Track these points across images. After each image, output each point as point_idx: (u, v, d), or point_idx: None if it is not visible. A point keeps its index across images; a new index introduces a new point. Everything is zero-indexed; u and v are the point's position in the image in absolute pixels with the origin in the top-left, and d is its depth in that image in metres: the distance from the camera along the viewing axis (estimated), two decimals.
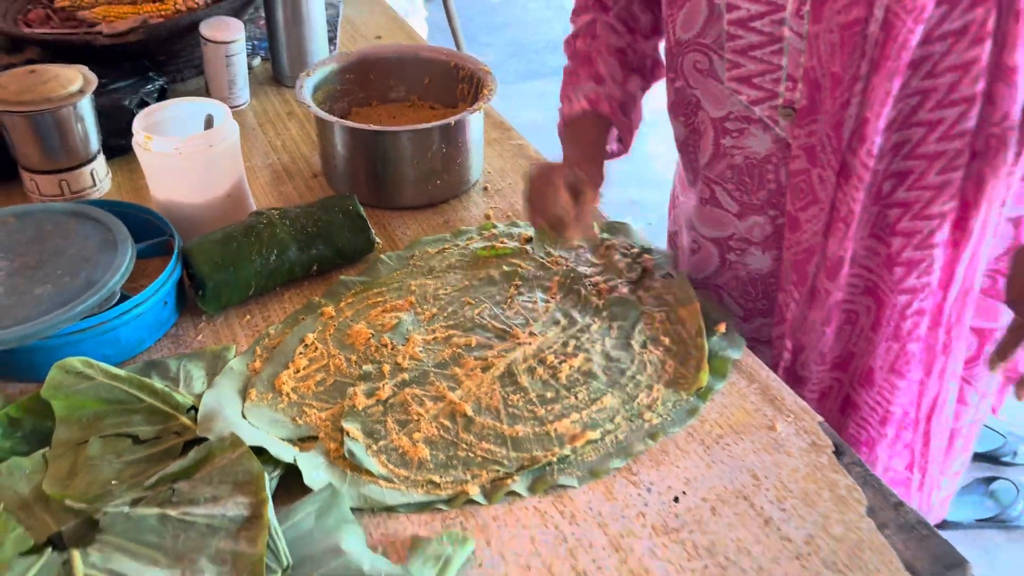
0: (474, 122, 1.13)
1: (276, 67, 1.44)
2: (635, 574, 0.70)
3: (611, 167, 1.06)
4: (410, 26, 1.67)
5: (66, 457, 0.77)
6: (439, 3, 3.18)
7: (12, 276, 0.88)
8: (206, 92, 1.34)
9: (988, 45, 0.77)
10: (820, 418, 0.84)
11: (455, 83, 1.22)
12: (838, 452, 0.80)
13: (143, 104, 1.23)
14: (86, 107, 1.08)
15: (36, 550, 0.64)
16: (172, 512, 0.66)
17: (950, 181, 0.85)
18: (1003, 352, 0.78)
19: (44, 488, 0.73)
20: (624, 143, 1.07)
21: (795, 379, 1.01)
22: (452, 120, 1.08)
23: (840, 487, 0.77)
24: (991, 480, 1.88)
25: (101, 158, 1.13)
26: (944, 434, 1.03)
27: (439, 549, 0.70)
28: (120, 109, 1.19)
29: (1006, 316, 1.01)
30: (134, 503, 0.68)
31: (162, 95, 1.28)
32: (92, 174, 1.11)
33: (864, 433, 1.01)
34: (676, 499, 0.76)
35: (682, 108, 1.01)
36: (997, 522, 1.82)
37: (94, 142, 1.11)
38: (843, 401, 1.02)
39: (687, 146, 1.04)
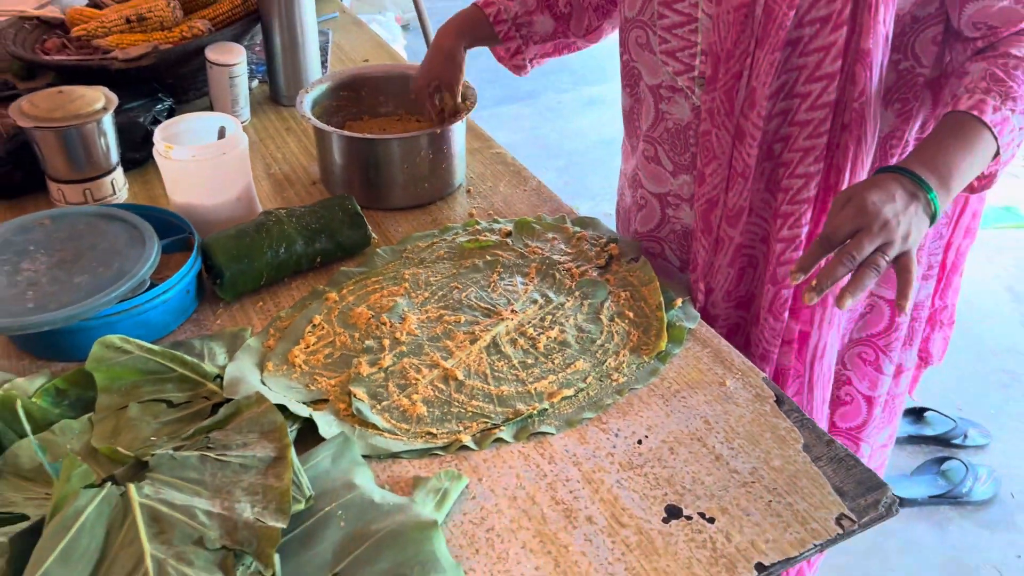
0: (457, 132, 1.26)
1: (273, 88, 1.57)
2: (606, 501, 0.82)
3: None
4: (394, 49, 1.80)
5: (109, 420, 0.88)
6: (416, 32, 3.32)
7: (52, 268, 1.00)
8: (211, 111, 1.47)
9: (844, 31, 0.93)
10: (764, 374, 0.97)
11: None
12: (779, 401, 0.93)
13: (156, 122, 1.35)
14: (108, 123, 1.20)
15: (95, 486, 0.75)
16: (210, 454, 0.78)
17: (816, 146, 1.00)
18: (802, 263, 0.88)
19: (93, 443, 0.85)
20: (517, 64, 1.32)
21: (708, 318, 1.14)
22: (438, 129, 1.21)
23: (780, 429, 0.90)
24: (943, 460, 2.02)
25: (120, 169, 1.25)
26: (826, 383, 1.16)
27: (438, 484, 0.82)
28: (135, 126, 1.32)
29: (922, 292, 1.15)
30: (176, 449, 0.79)
31: (171, 114, 1.40)
32: (112, 183, 1.23)
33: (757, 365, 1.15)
34: (639, 441, 0.89)
35: (628, 80, 1.17)
36: (949, 499, 1.95)
37: (114, 155, 1.22)
38: (744, 339, 1.16)
39: (632, 115, 1.20)
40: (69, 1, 1.67)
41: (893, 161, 1.04)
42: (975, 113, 0.87)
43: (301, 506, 0.76)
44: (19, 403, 0.84)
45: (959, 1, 0.92)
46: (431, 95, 1.27)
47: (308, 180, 1.34)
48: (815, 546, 0.78)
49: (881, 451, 1.28)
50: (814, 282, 0.85)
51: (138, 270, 0.99)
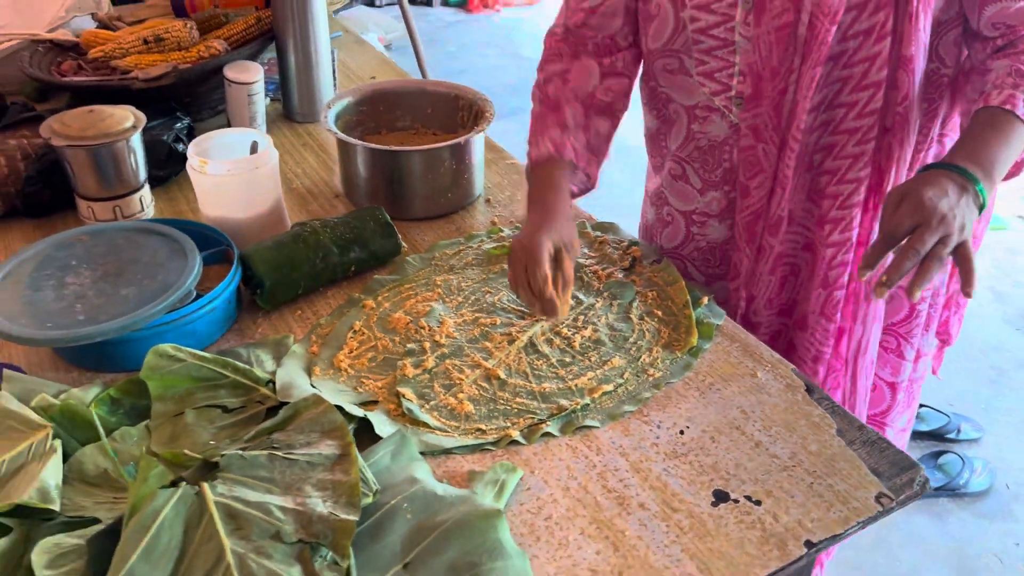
0: (477, 143, 1.30)
1: (287, 105, 1.60)
2: (655, 488, 0.86)
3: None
4: (399, 66, 1.84)
5: (166, 426, 0.90)
6: (399, 52, 3.37)
7: (97, 282, 1.02)
8: (228, 128, 1.49)
9: (888, 41, 0.99)
10: (792, 366, 1.01)
11: (456, 112, 1.39)
12: (809, 390, 0.98)
13: (178, 140, 1.37)
14: (137, 141, 1.22)
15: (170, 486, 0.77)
16: (278, 453, 0.81)
17: (864, 152, 1.06)
18: (868, 260, 0.93)
19: (153, 448, 0.87)
20: (591, 179, 1.19)
21: (750, 325, 1.20)
22: (461, 140, 1.25)
23: (813, 416, 0.94)
24: (939, 454, 2.08)
25: (147, 186, 1.27)
26: (868, 375, 1.22)
27: (495, 476, 0.85)
28: (159, 144, 1.34)
29: (938, 278, 1.21)
30: (241, 451, 0.82)
31: (190, 132, 1.43)
32: (140, 200, 1.25)
33: (805, 369, 1.20)
34: (681, 432, 0.92)
35: (654, 103, 1.21)
36: (947, 491, 2.01)
37: (142, 172, 1.25)
38: (787, 344, 1.21)
39: (657, 135, 1.24)
40: (77, 25, 1.69)
41: (923, 157, 1.10)
42: (1008, 107, 0.93)
43: (369, 500, 0.79)
44: (94, 411, 0.86)
45: (978, 4, 0.98)
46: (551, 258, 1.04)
47: (331, 193, 1.37)
48: (858, 523, 0.82)
49: (901, 435, 1.33)
50: (883, 277, 0.90)
51: (183, 281, 1.01)
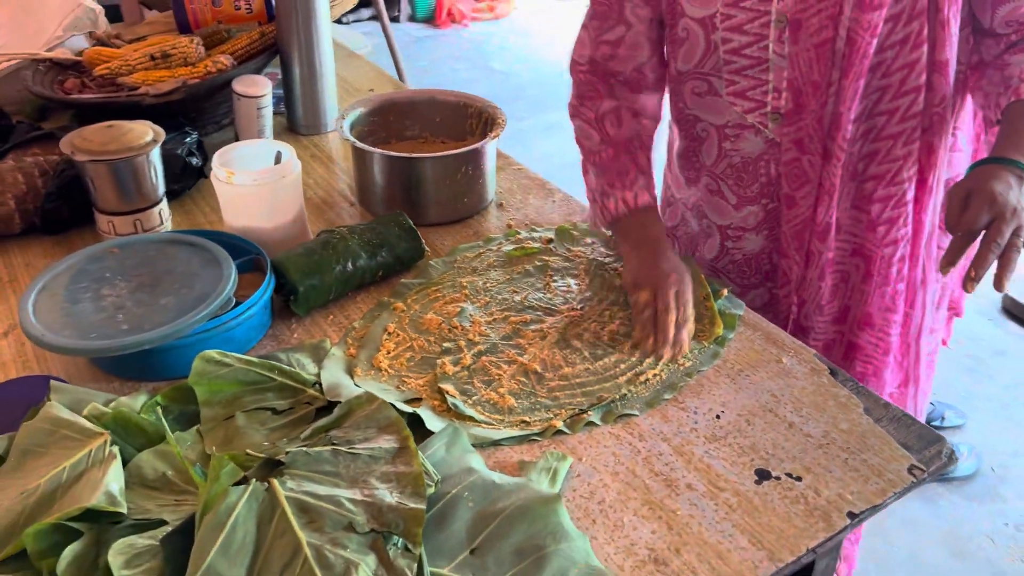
0: (490, 149, 1.33)
1: (292, 118, 1.62)
2: (700, 469, 0.89)
3: None
4: (395, 78, 1.87)
5: (217, 430, 0.92)
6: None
7: (135, 292, 1.03)
8: (236, 141, 1.51)
9: (925, 48, 1.04)
10: (813, 351, 1.06)
11: (464, 120, 1.43)
12: (833, 373, 1.02)
13: (191, 154, 1.39)
14: (156, 155, 1.23)
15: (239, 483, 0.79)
16: (341, 448, 0.83)
17: (911, 152, 1.11)
18: (951, 257, 0.97)
19: (208, 451, 0.89)
20: None
21: (801, 329, 1.24)
22: (477, 146, 1.28)
23: (840, 397, 0.98)
24: None
25: (165, 200, 1.28)
26: (928, 351, 1.28)
27: (546, 463, 0.88)
28: (173, 158, 1.35)
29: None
30: (304, 447, 0.84)
31: (200, 146, 1.44)
32: (160, 213, 1.26)
33: (870, 366, 1.25)
34: (718, 416, 0.96)
35: (683, 124, 1.25)
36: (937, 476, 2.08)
37: (161, 186, 1.26)
38: (846, 348, 1.26)
39: (687, 152, 1.27)
40: (72, 44, 1.69)
41: (942, 153, 1.15)
42: None
43: (431, 490, 0.81)
44: (159, 410, 0.89)
45: (991, 5, 1.04)
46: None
47: (346, 201, 1.40)
48: (895, 494, 0.87)
49: (919, 406, 1.39)
50: (971, 272, 0.94)
51: (222, 289, 1.02)
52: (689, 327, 1.05)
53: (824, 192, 1.13)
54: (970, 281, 0.94)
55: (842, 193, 1.15)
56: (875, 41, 1.03)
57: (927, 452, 0.91)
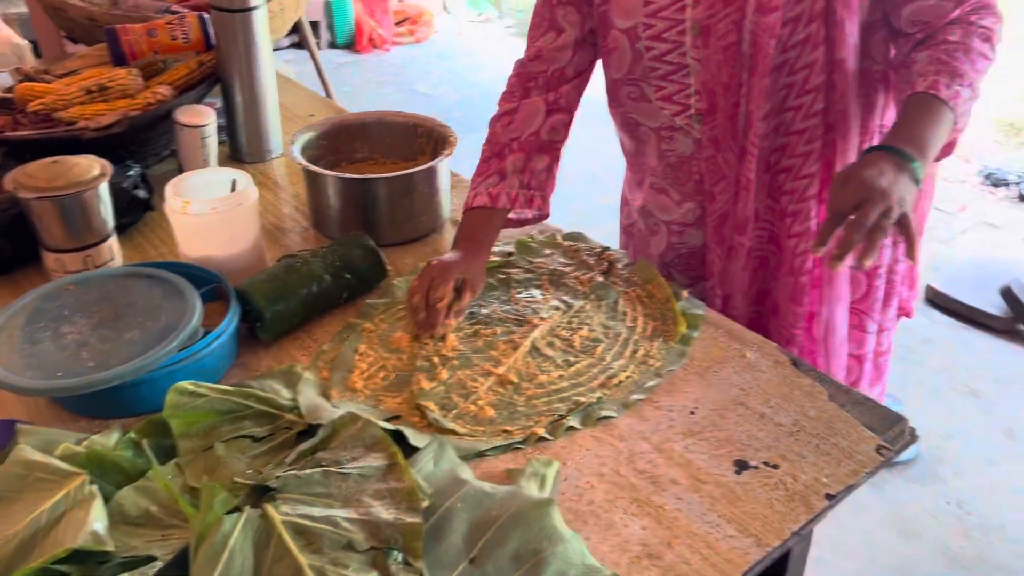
0: (444, 167, 1.35)
1: (235, 146, 1.60)
2: (681, 465, 0.92)
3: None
4: (336, 103, 1.87)
5: (197, 461, 0.90)
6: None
7: (97, 328, 1.01)
8: (179, 172, 1.48)
9: (823, 48, 1.10)
10: (775, 344, 1.10)
11: (414, 140, 1.44)
12: (795, 364, 1.06)
13: (136, 187, 1.36)
14: (104, 190, 1.21)
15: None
16: (331, 469, 0.82)
17: (813, 149, 1.17)
18: (821, 239, 1.01)
19: (190, 483, 0.87)
20: (540, 210, 1.27)
21: (729, 318, 1.27)
22: (431, 164, 1.29)
23: (804, 386, 1.03)
24: None
25: (115, 234, 1.25)
26: (842, 353, 1.32)
27: (534, 470, 0.90)
28: (120, 192, 1.32)
29: (887, 257, 1.32)
30: (293, 470, 0.83)
31: (143, 179, 1.42)
32: (110, 248, 1.23)
33: None
34: (692, 412, 0.99)
35: (626, 128, 1.30)
36: None
37: (110, 221, 1.23)
38: (763, 331, 1.30)
39: (637, 155, 1.33)
40: None
41: (867, 147, 1.21)
42: (932, 92, 1.05)
43: (426, 503, 0.81)
44: (146, 443, 0.87)
45: (898, 4, 1.10)
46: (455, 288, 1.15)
47: (300, 226, 1.39)
48: (867, 473, 0.91)
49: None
50: (835, 251, 0.98)
51: (188, 320, 1.01)
52: (450, 314, 1.11)
53: (742, 187, 1.19)
54: (832, 259, 0.98)
55: (759, 186, 1.21)
56: (775, 42, 1.09)
57: (891, 432, 0.96)
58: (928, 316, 2.81)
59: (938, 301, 2.84)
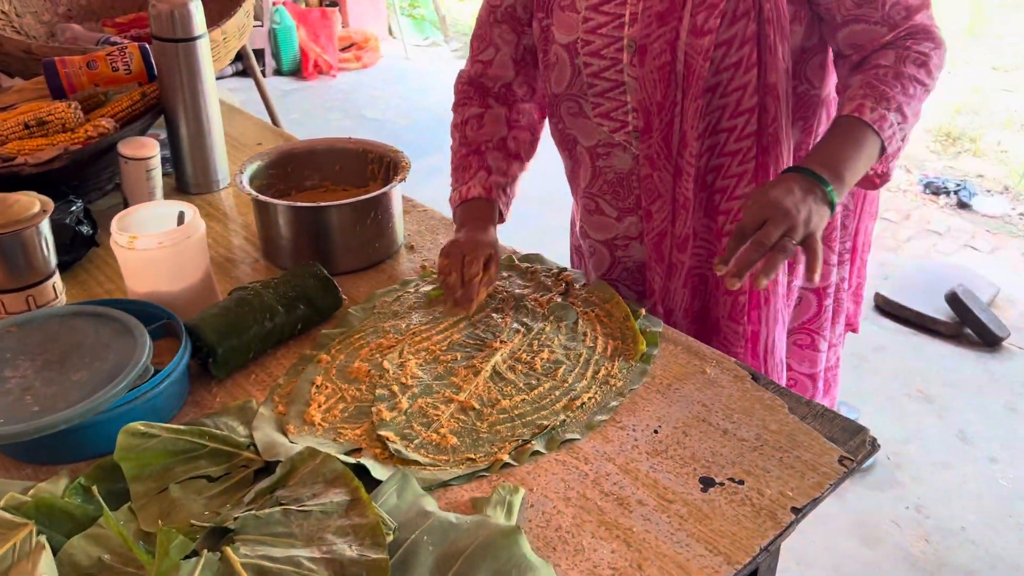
0: (396, 193, 1.33)
1: (181, 177, 1.57)
2: (647, 485, 0.91)
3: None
4: (285, 131, 1.85)
5: (151, 505, 0.87)
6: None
7: (42, 371, 0.97)
8: (124, 206, 1.45)
9: (756, 71, 1.11)
10: (734, 359, 1.10)
11: (365, 166, 1.42)
12: (755, 378, 1.07)
13: (79, 223, 1.32)
14: (45, 227, 1.17)
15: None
16: (291, 507, 0.80)
17: (747, 170, 1.18)
18: (725, 256, 1.01)
19: (144, 528, 0.84)
20: (502, 216, 1.30)
21: None
22: (385, 190, 1.28)
23: (765, 399, 1.03)
24: None
25: (57, 273, 1.21)
26: (780, 373, 1.33)
27: (500, 497, 0.88)
28: (62, 228, 1.28)
29: (834, 276, 1.34)
30: (251, 511, 0.80)
31: (87, 214, 1.38)
32: (54, 287, 1.19)
33: None
34: (655, 431, 0.99)
35: (564, 145, 1.31)
36: None
37: (53, 259, 1.19)
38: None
39: (574, 175, 1.34)
40: None
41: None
42: (856, 115, 1.06)
43: (389, 538, 0.79)
44: (95, 489, 0.83)
45: (833, 29, 1.12)
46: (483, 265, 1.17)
47: (249, 257, 1.36)
48: (831, 485, 0.91)
49: None
50: (734, 268, 0.98)
51: (138, 358, 0.98)
52: (482, 286, 1.14)
53: (679, 206, 1.20)
54: (730, 277, 0.99)
55: (696, 204, 1.21)
56: (708, 64, 1.10)
57: (852, 443, 0.97)
58: (878, 323, 2.86)
59: (887, 308, 2.90)
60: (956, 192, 3.69)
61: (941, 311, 2.79)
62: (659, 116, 1.15)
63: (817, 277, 1.02)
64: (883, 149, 1.08)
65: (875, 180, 1.14)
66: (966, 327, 2.76)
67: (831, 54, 1.18)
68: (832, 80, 1.20)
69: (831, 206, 1.04)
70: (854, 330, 1.44)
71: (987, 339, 2.72)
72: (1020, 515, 2.11)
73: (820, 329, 1.36)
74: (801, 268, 1.25)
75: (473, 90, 1.34)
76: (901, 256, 3.27)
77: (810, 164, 1.05)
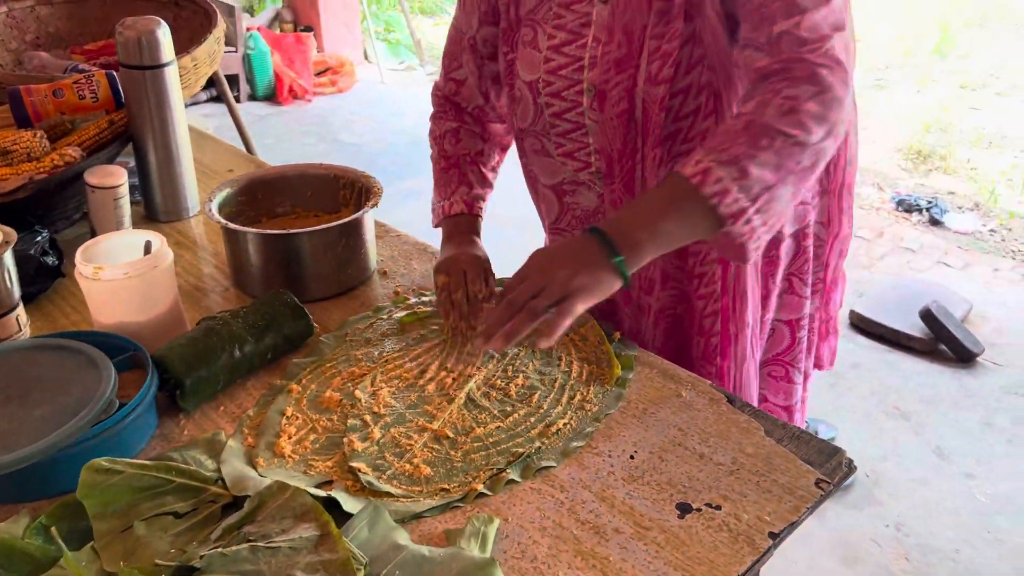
0: (368, 218, 1.32)
1: (150, 206, 1.55)
2: (623, 512, 0.90)
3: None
4: (255, 157, 1.83)
5: (115, 544, 0.85)
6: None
7: (3, 406, 0.94)
8: (92, 235, 1.42)
9: (713, 119, 1.10)
10: (709, 382, 1.10)
11: (336, 191, 1.41)
12: (730, 400, 1.06)
13: (45, 253, 1.30)
14: (8, 258, 1.14)
15: None
16: (259, 544, 0.78)
17: None
18: (485, 314, 0.98)
19: (107, 568, 0.81)
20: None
21: None
22: (356, 216, 1.27)
23: (741, 422, 1.02)
24: None
25: (21, 305, 1.19)
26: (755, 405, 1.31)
27: (474, 529, 0.87)
28: (26, 259, 1.26)
29: (808, 308, 1.31)
30: (218, 548, 0.78)
31: (53, 244, 1.35)
32: (17, 319, 1.17)
33: None
34: (632, 457, 0.98)
35: (529, 181, 1.32)
36: None
37: (16, 290, 1.17)
38: None
39: (538, 208, 1.34)
40: None
41: None
42: (680, 171, 0.95)
43: (361, 573, 0.78)
44: (54, 530, 0.80)
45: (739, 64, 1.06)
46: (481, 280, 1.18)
47: (219, 286, 1.34)
48: (808, 508, 0.90)
49: None
50: (480, 328, 0.95)
51: (103, 391, 0.96)
52: (486, 304, 1.14)
53: None
54: (477, 336, 0.96)
55: None
56: (665, 114, 1.08)
57: (828, 465, 0.96)
58: (854, 341, 2.87)
59: (862, 325, 2.91)
60: (928, 209, 3.73)
61: (916, 328, 2.81)
62: (620, 163, 1.14)
63: (544, 344, 0.94)
64: (718, 212, 0.94)
65: (732, 247, 0.98)
66: (941, 343, 2.78)
67: None
68: None
69: (619, 274, 0.95)
70: (820, 367, 1.41)
71: (962, 355, 2.74)
72: (998, 531, 2.12)
73: (794, 361, 1.34)
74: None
75: (449, 106, 1.35)
76: (875, 273, 3.30)
77: (609, 227, 0.96)
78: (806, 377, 1.37)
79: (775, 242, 1.21)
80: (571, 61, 1.13)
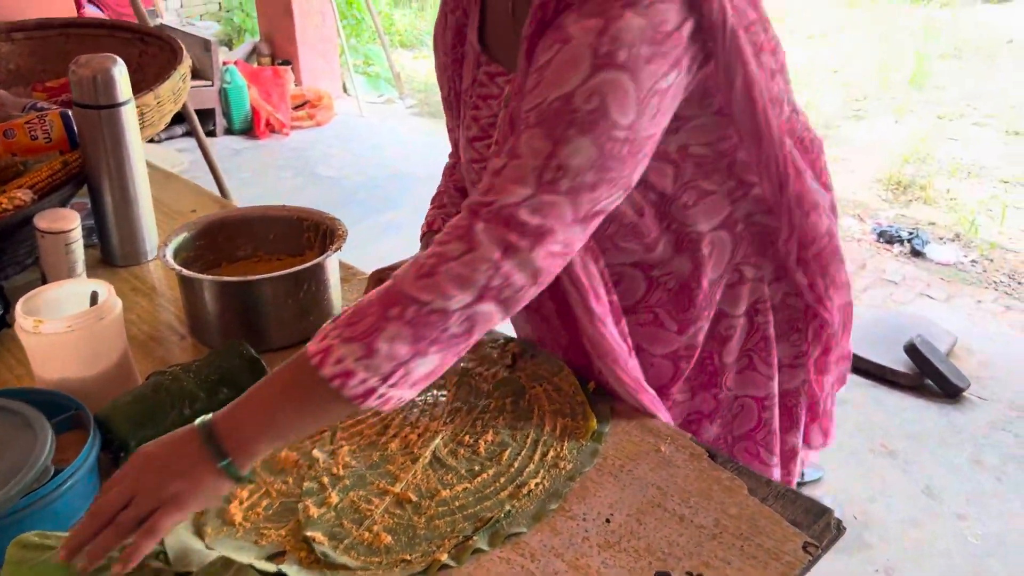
0: (333, 262, 1.26)
1: (106, 249, 1.48)
2: None
3: None
4: (220, 196, 1.77)
5: None
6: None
7: None
8: (43, 282, 1.36)
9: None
10: (689, 435, 1.04)
11: (301, 234, 1.35)
12: (712, 456, 1.00)
13: None
14: None
15: None
16: None
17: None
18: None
19: None
20: None
21: None
22: (317, 261, 1.21)
23: (723, 480, 0.96)
24: None
25: None
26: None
27: None
28: None
29: (775, 387, 1.22)
30: None
31: (0, 293, 1.29)
32: None
33: None
34: (607, 520, 0.91)
35: None
36: None
37: None
38: None
39: None
40: None
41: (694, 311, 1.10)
42: (304, 349, 0.84)
43: None
44: None
45: None
46: None
47: (176, 335, 1.28)
48: None
49: None
50: (65, 542, 0.79)
51: (37, 457, 0.89)
52: None
53: None
54: (63, 550, 0.78)
55: None
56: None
57: (816, 527, 0.91)
58: None
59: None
60: (909, 240, 3.71)
61: (900, 362, 2.77)
62: None
63: (120, 569, 0.77)
64: (343, 395, 0.81)
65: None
66: (926, 378, 2.74)
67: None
68: (710, 217, 1.06)
69: (229, 475, 0.81)
70: (810, 446, 1.30)
71: (948, 390, 2.69)
72: (990, 574, 2.06)
73: (765, 440, 1.22)
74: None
75: (452, 146, 1.25)
76: (858, 307, 3.24)
77: (222, 419, 0.82)
78: (787, 458, 1.26)
79: (719, 316, 1.13)
80: (480, 158, 1.08)
